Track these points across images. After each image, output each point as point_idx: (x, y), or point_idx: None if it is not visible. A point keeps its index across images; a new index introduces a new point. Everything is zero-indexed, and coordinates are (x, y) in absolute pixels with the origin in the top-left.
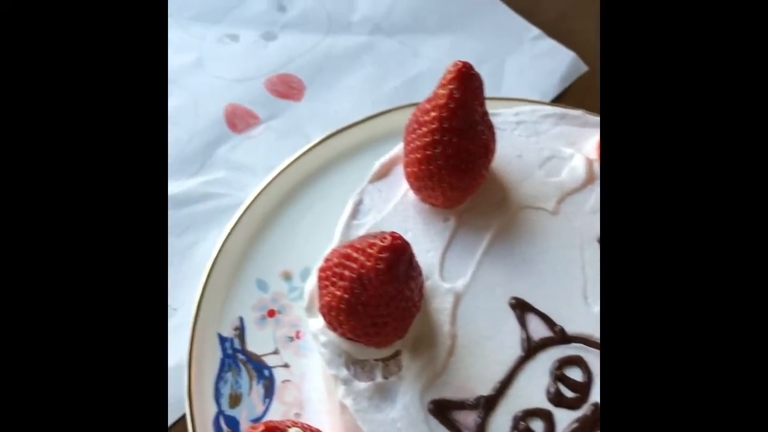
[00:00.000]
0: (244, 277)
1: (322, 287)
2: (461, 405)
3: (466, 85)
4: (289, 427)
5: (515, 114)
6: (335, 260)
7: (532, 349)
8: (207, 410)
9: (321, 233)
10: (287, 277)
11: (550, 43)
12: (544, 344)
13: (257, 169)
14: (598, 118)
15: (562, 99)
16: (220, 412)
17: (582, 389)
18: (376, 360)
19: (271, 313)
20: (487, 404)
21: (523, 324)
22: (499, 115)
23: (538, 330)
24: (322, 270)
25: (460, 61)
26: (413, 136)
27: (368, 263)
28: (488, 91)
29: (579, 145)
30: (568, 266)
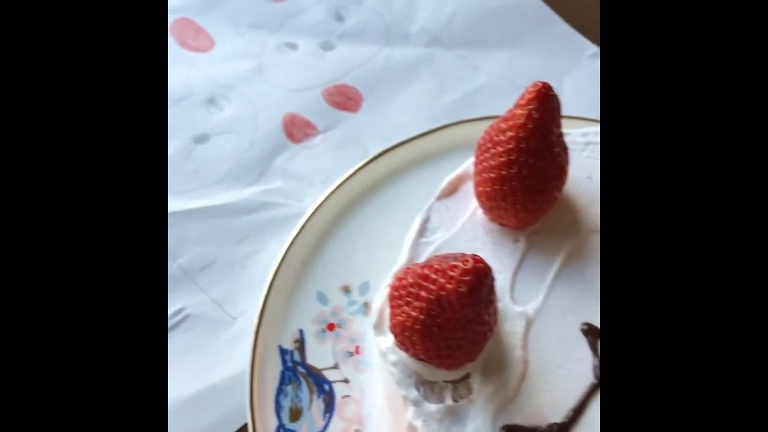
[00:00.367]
0: (305, 290)
1: (394, 306)
2: None
3: (545, 105)
4: None
5: (583, 134)
6: (410, 279)
7: None
8: (268, 423)
9: (380, 247)
10: (346, 290)
11: None
12: None
13: (315, 180)
14: None
15: None
16: (281, 426)
17: None
18: (445, 382)
19: (331, 327)
20: None
21: (595, 351)
22: (568, 135)
23: None
24: (395, 288)
25: (539, 81)
26: (487, 155)
27: (449, 285)
28: None
29: None
30: None
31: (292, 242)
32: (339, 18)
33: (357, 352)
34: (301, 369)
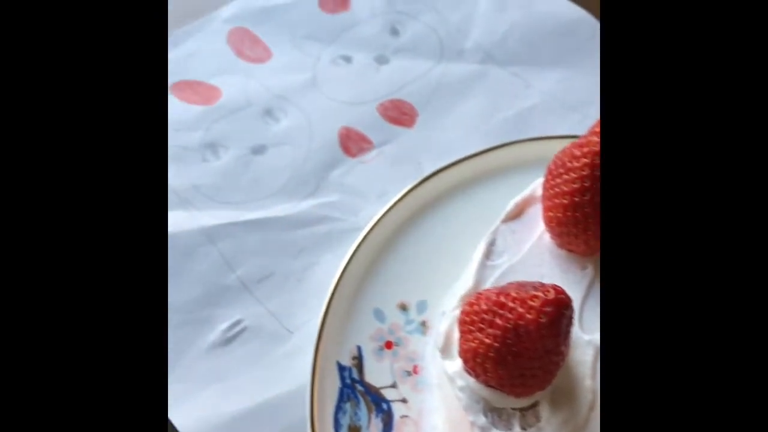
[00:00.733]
0: (362, 306)
1: (466, 331)
2: None
3: None
4: None
5: None
6: (484, 306)
7: None
8: None
9: (437, 266)
10: (404, 308)
11: None
12: None
13: (370, 195)
14: None
15: None
16: None
17: None
18: (513, 409)
19: (389, 345)
20: None
21: None
22: None
23: None
24: (466, 314)
25: None
26: (558, 180)
27: (528, 315)
28: None
29: None
30: None
31: (350, 258)
32: (394, 32)
33: (415, 371)
34: (359, 387)
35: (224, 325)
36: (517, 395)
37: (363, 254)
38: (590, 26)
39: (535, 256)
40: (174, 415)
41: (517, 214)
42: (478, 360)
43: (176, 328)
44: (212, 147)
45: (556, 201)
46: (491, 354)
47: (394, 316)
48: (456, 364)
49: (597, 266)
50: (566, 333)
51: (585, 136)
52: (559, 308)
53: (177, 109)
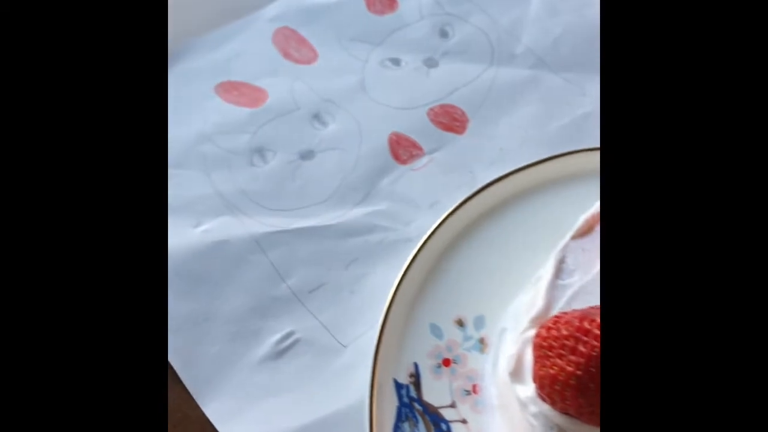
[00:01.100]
0: (418, 321)
1: (543, 357)
2: None
3: None
4: None
5: None
6: (564, 331)
7: None
8: None
9: (494, 280)
10: (461, 324)
11: None
12: None
13: (421, 204)
14: None
15: None
16: None
17: None
18: None
19: (447, 362)
20: None
21: None
22: None
23: None
24: (543, 338)
25: None
26: None
27: None
28: None
29: None
30: None
31: (405, 271)
32: (443, 34)
33: (474, 391)
34: (417, 406)
35: (276, 338)
36: (596, 423)
37: (417, 267)
38: None
39: None
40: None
41: (586, 230)
42: (557, 387)
43: (227, 340)
44: (260, 151)
45: None
46: (572, 382)
47: (451, 332)
48: (529, 389)
49: None
50: None
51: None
52: None
53: (222, 110)
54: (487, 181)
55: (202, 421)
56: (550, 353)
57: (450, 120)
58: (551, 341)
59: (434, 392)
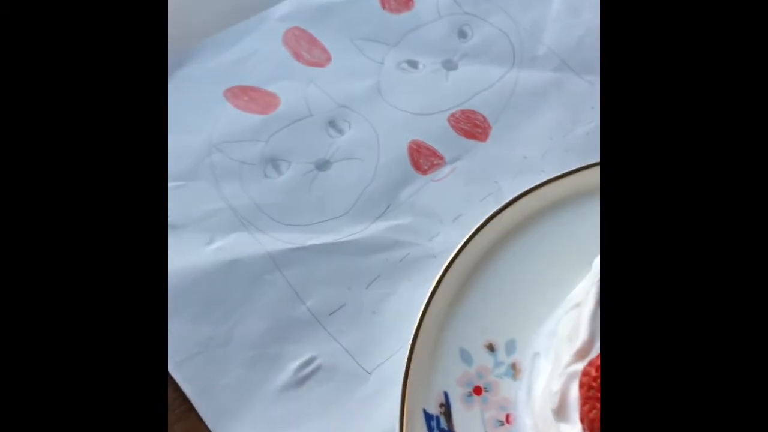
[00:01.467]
0: (447, 346)
1: (591, 397)
2: None
3: None
4: None
5: None
6: None
7: None
8: None
9: (525, 301)
10: (491, 348)
11: None
12: None
13: (445, 218)
14: None
15: None
16: None
17: None
18: None
19: (478, 391)
20: None
21: None
22: None
23: None
24: (593, 378)
25: None
26: None
27: None
28: None
29: None
30: None
31: (433, 292)
32: (462, 35)
33: (508, 421)
34: None
35: (296, 364)
36: None
37: (445, 288)
38: None
39: None
40: None
41: None
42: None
43: (245, 367)
44: (273, 161)
45: None
46: None
47: (482, 358)
48: (575, 428)
49: None
50: None
51: None
52: None
53: (233, 117)
54: (513, 192)
55: None
56: (598, 393)
57: (472, 126)
58: (600, 381)
59: (466, 423)
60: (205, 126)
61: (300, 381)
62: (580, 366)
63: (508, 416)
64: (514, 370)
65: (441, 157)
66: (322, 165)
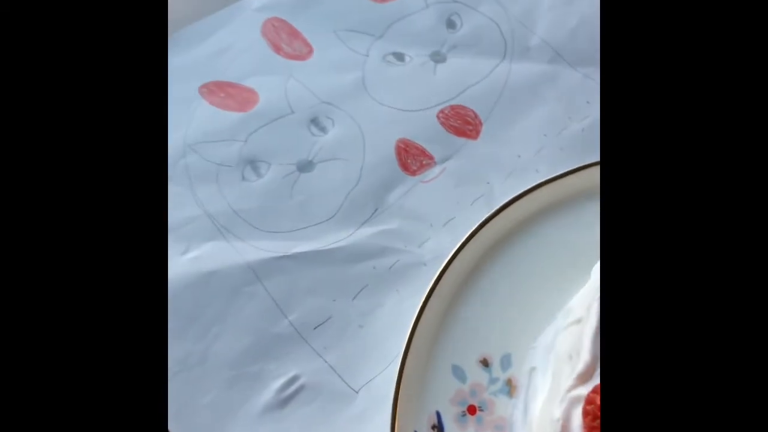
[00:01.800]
0: (439, 363)
1: (595, 427)
2: None
3: None
4: None
5: None
6: None
7: None
8: None
9: (521, 312)
10: (485, 364)
11: None
12: None
13: (435, 222)
14: None
15: None
16: None
17: None
18: None
19: (472, 410)
20: None
21: None
22: None
23: None
24: (597, 406)
25: None
26: None
27: None
28: None
29: None
30: None
31: (423, 305)
32: (450, 25)
33: None
34: None
35: (279, 383)
36: None
37: (436, 299)
38: None
39: None
40: None
41: None
42: None
43: (225, 387)
44: (252, 163)
45: None
46: None
47: (476, 374)
48: None
49: None
50: None
51: None
52: None
53: (208, 115)
54: (505, 193)
55: None
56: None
57: (462, 123)
58: None
59: None
60: (179, 125)
61: (283, 402)
62: (582, 390)
63: None
64: (509, 386)
65: (430, 157)
66: (304, 166)
